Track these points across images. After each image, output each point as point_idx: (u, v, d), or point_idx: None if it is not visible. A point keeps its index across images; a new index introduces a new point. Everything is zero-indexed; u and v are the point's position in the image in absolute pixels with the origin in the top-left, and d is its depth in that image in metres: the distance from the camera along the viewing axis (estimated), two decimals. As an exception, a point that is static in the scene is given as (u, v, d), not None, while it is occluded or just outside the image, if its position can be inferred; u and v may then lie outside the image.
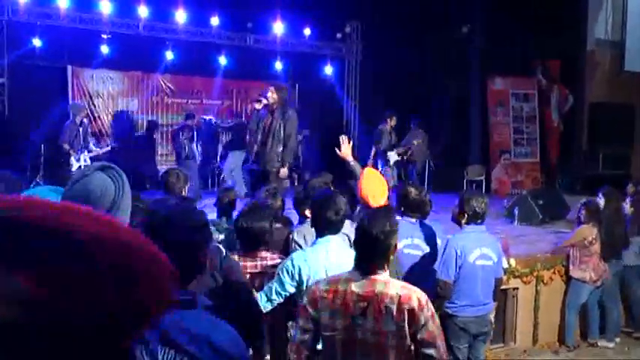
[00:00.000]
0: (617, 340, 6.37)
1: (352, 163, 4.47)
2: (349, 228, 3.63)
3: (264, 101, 6.79)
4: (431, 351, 2.52)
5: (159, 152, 12.21)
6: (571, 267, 6.21)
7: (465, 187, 12.34)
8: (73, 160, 9.09)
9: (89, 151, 9.36)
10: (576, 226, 6.32)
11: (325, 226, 3.31)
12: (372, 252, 2.58)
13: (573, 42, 12.68)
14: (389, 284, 2.56)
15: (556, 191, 10.35)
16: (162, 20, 11.40)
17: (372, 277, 2.55)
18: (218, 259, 2.96)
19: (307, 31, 12.63)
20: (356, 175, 4.40)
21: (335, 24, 13.01)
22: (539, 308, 6.37)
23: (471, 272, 4.29)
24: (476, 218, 4.34)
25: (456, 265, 4.27)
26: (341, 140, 4.53)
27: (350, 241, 3.55)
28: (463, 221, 4.38)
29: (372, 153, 10.32)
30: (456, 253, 4.27)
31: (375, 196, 4.02)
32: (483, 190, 12.31)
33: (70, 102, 10.83)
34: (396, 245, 2.66)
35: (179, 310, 1.61)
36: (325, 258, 3.25)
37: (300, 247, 3.64)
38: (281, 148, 6.64)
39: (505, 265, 5.63)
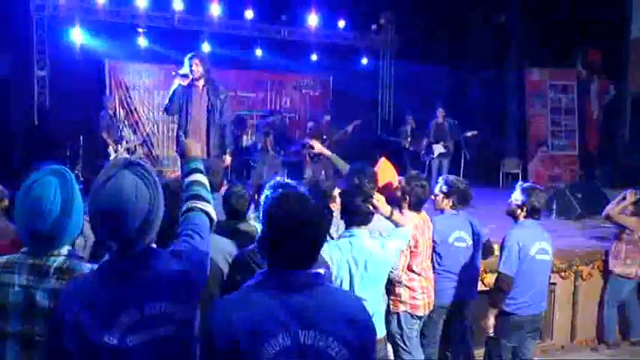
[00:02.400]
0: (662, 339, 6.18)
1: (332, 156, 4.80)
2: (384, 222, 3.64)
3: (191, 76, 5.65)
4: None
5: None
6: (612, 262, 5.99)
7: (501, 181, 12.18)
8: (110, 150, 9.34)
9: (126, 142, 9.57)
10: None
11: (355, 216, 3.26)
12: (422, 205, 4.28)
13: (616, 30, 12.31)
14: (423, 212, 4.33)
15: (595, 184, 10.10)
16: (197, 14, 11.51)
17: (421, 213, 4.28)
18: None
19: (341, 23, 12.59)
20: (339, 168, 4.62)
21: (369, 15, 12.94)
22: (577, 304, 6.24)
23: (530, 267, 4.19)
24: (534, 214, 4.23)
25: (518, 260, 4.17)
26: (312, 143, 5.04)
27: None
28: (522, 216, 4.25)
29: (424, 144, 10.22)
30: (518, 247, 4.16)
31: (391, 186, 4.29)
32: (520, 183, 12.13)
33: (107, 95, 11.06)
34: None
35: (312, 289, 1.71)
36: (349, 252, 3.17)
37: (332, 237, 3.59)
38: (219, 132, 5.78)
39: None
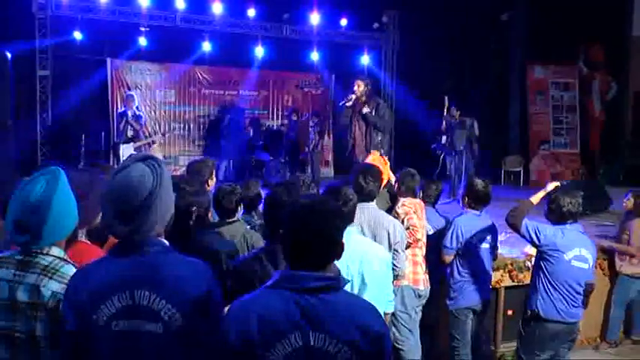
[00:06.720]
0: (665, 336, 6.17)
1: None
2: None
3: (353, 96, 6.72)
4: None
5: (196, 142, 12.46)
6: (619, 262, 5.99)
7: (502, 179, 12.18)
8: (120, 149, 9.34)
9: (133, 142, 9.57)
10: (624, 218, 6.15)
11: None
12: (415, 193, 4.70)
13: (618, 27, 12.29)
14: (417, 199, 4.68)
15: (597, 183, 10.10)
16: (199, 12, 11.52)
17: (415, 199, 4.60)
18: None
19: (344, 21, 12.58)
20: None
21: (372, 13, 12.92)
22: (579, 303, 6.22)
23: (565, 272, 4.04)
24: (568, 217, 4.07)
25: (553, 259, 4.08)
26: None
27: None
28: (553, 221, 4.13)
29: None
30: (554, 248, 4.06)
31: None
32: (521, 182, 12.15)
33: (109, 93, 11.07)
34: None
35: (327, 293, 1.73)
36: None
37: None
38: (380, 137, 6.71)
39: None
